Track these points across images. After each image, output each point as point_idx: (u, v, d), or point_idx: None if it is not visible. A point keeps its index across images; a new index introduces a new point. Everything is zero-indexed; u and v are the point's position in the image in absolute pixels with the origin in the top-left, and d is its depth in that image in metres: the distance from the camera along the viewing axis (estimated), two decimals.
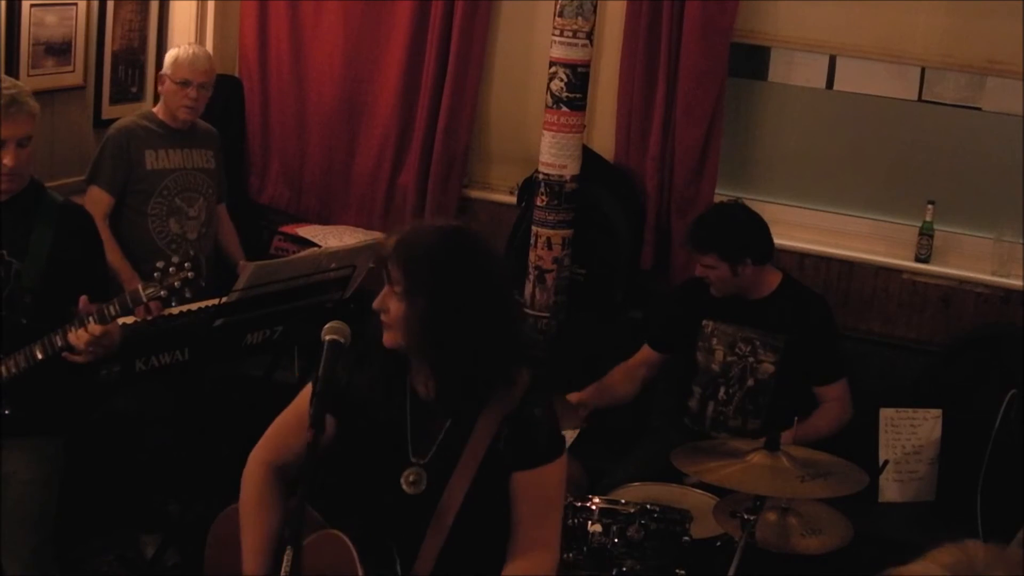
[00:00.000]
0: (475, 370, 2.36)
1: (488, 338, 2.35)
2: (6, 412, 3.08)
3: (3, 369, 3.03)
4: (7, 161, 3.02)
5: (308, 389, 2.49)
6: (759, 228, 3.88)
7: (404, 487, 2.39)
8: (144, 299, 2.92)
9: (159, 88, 4.37)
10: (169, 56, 4.33)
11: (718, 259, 3.79)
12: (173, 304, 2.98)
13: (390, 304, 2.34)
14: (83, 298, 2.97)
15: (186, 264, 2.90)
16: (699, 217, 4.07)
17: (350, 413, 2.43)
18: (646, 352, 4.05)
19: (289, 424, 2.53)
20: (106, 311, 2.93)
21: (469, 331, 2.33)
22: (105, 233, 4.00)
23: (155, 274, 2.92)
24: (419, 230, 2.39)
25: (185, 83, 4.26)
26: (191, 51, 4.31)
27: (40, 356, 3.00)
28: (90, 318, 2.93)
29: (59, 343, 2.98)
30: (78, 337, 2.93)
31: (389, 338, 2.36)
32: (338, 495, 2.42)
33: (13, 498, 3.14)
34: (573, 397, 3.85)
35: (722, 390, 3.91)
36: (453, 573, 2.38)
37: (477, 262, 2.37)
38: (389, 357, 2.40)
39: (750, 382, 3.87)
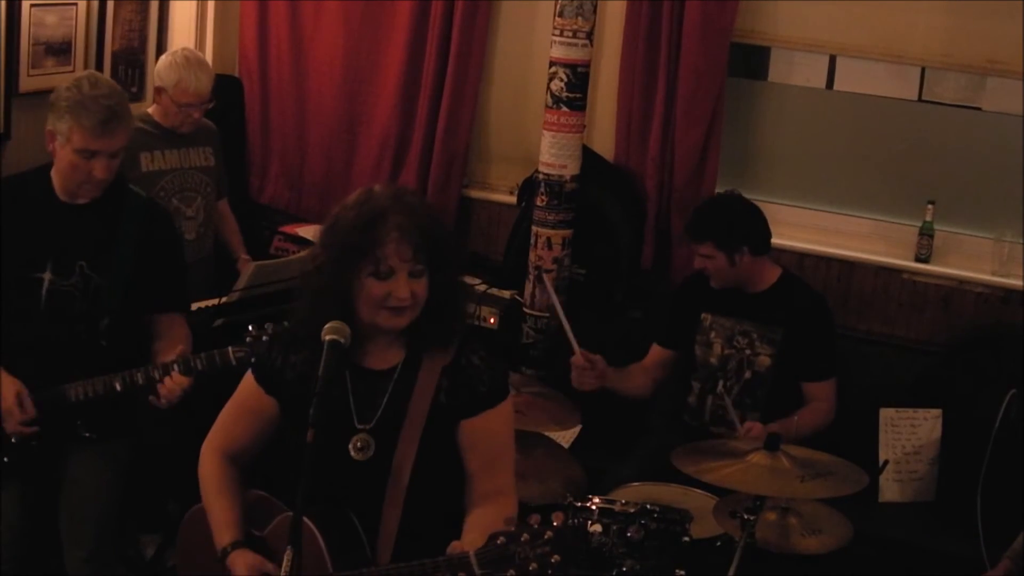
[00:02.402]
0: (463, 320, 2.50)
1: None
2: (86, 435, 3.10)
3: (79, 390, 3.03)
4: (98, 174, 2.99)
5: (248, 378, 2.56)
6: (756, 217, 3.88)
7: (352, 454, 2.41)
8: (234, 362, 2.94)
9: (156, 98, 4.29)
10: (169, 73, 4.18)
11: (715, 248, 3.79)
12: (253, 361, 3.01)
13: (415, 289, 2.36)
14: (179, 348, 2.99)
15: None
16: (696, 207, 4.08)
17: (290, 392, 2.46)
18: (656, 351, 4.06)
19: (233, 414, 2.60)
20: (193, 363, 2.96)
21: (462, 285, 2.55)
22: None
23: (248, 339, 2.94)
24: (415, 209, 2.37)
25: (189, 105, 4.21)
26: (194, 73, 4.16)
27: (119, 389, 3.01)
28: (174, 367, 2.94)
29: (140, 380, 2.99)
30: (169, 390, 2.95)
31: (407, 319, 2.38)
32: (293, 475, 2.43)
33: (80, 501, 3.18)
34: (588, 355, 3.82)
35: (720, 384, 3.91)
36: (417, 534, 2.40)
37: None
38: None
39: (747, 375, 3.87)
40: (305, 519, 2.35)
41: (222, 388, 4.10)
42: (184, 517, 2.63)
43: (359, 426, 2.43)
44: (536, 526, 2.11)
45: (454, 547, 2.26)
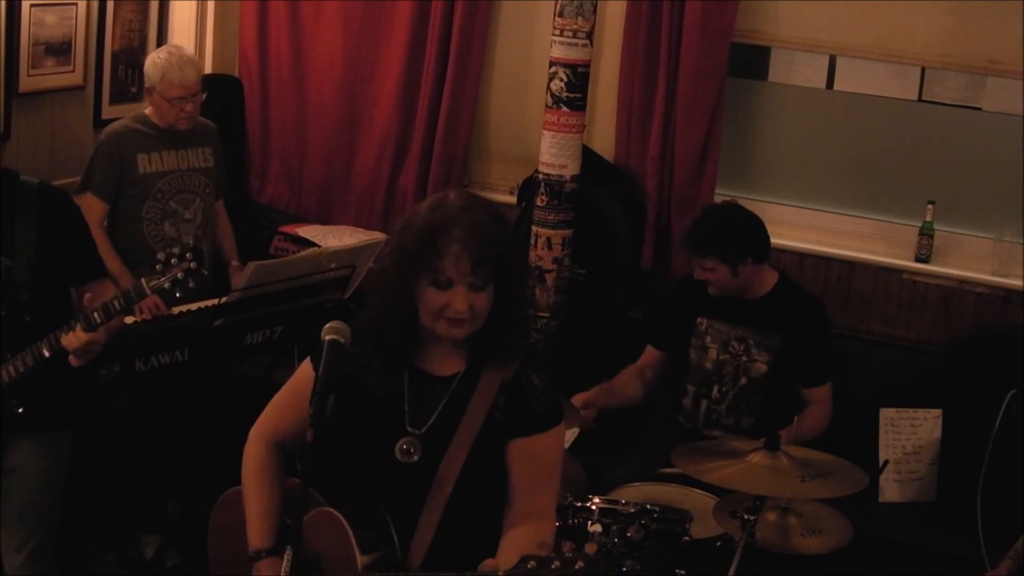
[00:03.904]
0: (526, 337, 2.46)
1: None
2: (20, 411, 3.09)
3: (10, 369, 3.03)
4: None
5: (306, 366, 2.51)
6: (756, 227, 3.88)
7: (398, 456, 2.40)
8: (148, 291, 2.92)
9: (147, 98, 4.27)
10: (154, 70, 4.16)
11: (718, 261, 3.79)
12: (177, 296, 2.97)
13: (475, 302, 2.33)
14: (87, 296, 2.98)
15: (188, 254, 2.91)
16: (695, 221, 4.04)
17: (347, 387, 2.43)
18: (649, 352, 4.06)
19: (286, 402, 2.57)
20: (113, 306, 2.93)
21: (527, 294, 2.53)
22: (101, 239, 3.98)
23: (157, 266, 2.92)
24: (482, 223, 2.33)
25: (180, 99, 4.19)
26: (177, 65, 4.15)
27: (47, 354, 3.00)
28: (77, 325, 2.93)
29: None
30: (68, 342, 2.95)
31: (466, 331, 2.35)
32: (335, 469, 2.43)
33: (17, 492, 3.15)
34: (579, 398, 3.84)
35: (715, 388, 3.91)
36: (452, 544, 2.39)
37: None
38: (394, 339, 2.40)
39: (743, 381, 3.87)
40: (335, 512, 2.36)
41: (226, 391, 4.10)
42: (219, 498, 2.62)
43: (410, 429, 2.41)
44: (569, 554, 2.09)
45: (486, 565, 2.24)
